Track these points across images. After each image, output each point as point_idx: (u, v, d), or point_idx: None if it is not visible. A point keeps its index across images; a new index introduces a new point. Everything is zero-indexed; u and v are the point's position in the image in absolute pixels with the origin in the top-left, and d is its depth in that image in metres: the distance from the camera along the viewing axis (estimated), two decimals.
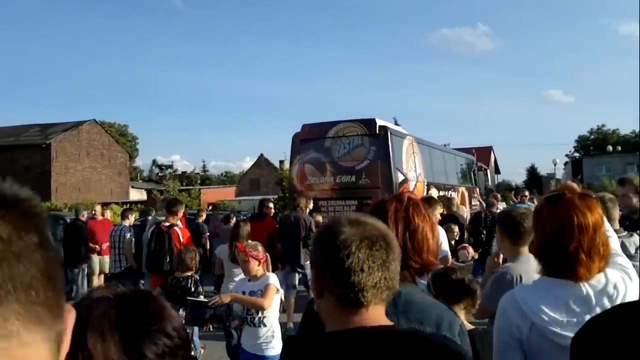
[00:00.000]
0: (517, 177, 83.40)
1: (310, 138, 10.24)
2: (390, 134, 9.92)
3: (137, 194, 43.29)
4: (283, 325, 5.37)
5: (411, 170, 10.65)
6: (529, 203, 12.10)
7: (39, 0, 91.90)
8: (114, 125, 59.51)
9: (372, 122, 10.02)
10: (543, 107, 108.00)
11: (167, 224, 6.53)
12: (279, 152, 59.78)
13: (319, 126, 10.49)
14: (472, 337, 2.00)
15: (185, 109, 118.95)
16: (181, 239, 6.43)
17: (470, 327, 2.53)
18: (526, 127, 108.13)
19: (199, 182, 70.91)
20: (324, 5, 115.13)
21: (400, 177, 9.90)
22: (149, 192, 44.32)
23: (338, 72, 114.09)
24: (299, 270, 7.95)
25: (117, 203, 29.25)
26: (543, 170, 63.00)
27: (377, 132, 9.77)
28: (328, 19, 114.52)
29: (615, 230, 3.07)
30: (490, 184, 19.16)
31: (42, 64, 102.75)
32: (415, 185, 10.60)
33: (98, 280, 9.90)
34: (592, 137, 65.65)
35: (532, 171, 65.89)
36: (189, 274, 5.11)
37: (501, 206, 10.55)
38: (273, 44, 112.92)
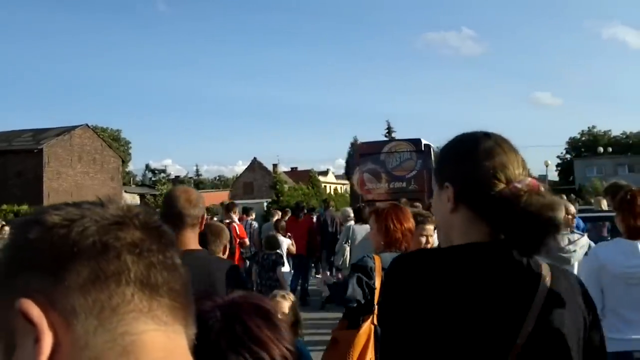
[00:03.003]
0: None
1: (368, 153, 13.06)
2: (432, 150, 12.55)
3: (130, 199, 43.19)
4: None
5: None
6: None
7: (29, 6, 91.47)
8: (107, 130, 59.33)
9: (418, 141, 12.71)
10: (532, 109, 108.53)
11: (228, 220, 8.61)
12: (272, 156, 59.98)
13: (374, 144, 13.77)
14: None
15: (177, 113, 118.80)
16: (238, 232, 8.49)
17: None
18: (517, 129, 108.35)
19: (192, 186, 70.70)
20: (310, 10, 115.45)
21: None
22: (142, 196, 44.29)
23: (329, 75, 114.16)
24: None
25: None
26: (535, 171, 63.38)
27: (423, 149, 12.50)
28: (316, 24, 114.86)
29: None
30: None
31: (34, 70, 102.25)
32: None
33: None
34: (583, 138, 66.06)
35: None
36: (273, 251, 7.51)
37: None
38: (265, 47, 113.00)
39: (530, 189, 1.21)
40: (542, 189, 1.24)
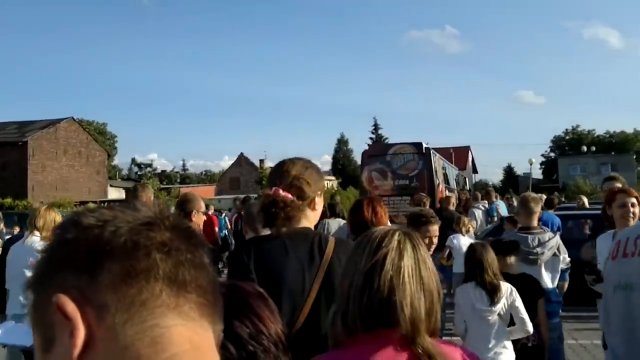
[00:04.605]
0: (494, 176, 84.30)
1: (375, 154, 14.79)
2: (431, 153, 14.29)
3: (115, 193, 42.80)
4: None
5: (440, 178, 15.03)
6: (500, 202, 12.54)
7: None
8: (93, 124, 58.73)
9: (420, 144, 14.43)
10: (516, 108, 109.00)
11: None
12: (259, 151, 59.81)
13: (381, 146, 16.62)
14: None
15: (163, 107, 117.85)
16: None
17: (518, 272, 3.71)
18: (501, 127, 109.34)
19: (178, 180, 70.48)
20: (296, 6, 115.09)
21: (437, 182, 14.15)
22: (127, 190, 43.88)
23: (315, 72, 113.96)
24: None
25: (95, 202, 28.85)
26: (519, 170, 64.02)
27: (424, 151, 14.15)
28: (302, 20, 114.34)
29: (533, 227, 4.25)
30: (467, 187, 23.70)
31: (19, 62, 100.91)
32: (442, 188, 14.74)
33: None
34: (567, 137, 66.71)
35: (509, 171, 66.84)
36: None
37: (481, 204, 11.10)
38: (251, 42, 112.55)
39: (271, 195, 1.91)
40: (281, 193, 1.91)
